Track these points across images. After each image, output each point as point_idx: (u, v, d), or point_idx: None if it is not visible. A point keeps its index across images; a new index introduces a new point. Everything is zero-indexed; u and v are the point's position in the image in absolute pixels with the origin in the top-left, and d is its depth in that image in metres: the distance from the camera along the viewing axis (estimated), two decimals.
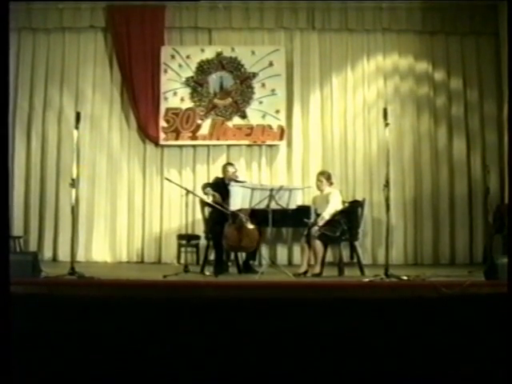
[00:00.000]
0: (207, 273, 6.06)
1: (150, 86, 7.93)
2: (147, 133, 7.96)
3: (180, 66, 7.98)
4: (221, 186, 6.36)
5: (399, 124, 7.95)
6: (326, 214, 6.09)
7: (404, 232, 7.94)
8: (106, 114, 8.07)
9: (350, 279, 5.71)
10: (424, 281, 4.99)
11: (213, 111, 7.96)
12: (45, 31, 8.07)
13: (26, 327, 3.34)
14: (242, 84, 7.99)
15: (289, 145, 8.06)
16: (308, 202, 6.90)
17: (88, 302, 4.10)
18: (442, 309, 4.04)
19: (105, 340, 3.59)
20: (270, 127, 7.91)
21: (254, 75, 7.97)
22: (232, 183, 6.19)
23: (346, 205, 6.50)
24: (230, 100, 7.98)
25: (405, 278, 5.08)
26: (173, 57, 7.97)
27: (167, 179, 6.95)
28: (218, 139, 7.95)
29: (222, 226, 6.06)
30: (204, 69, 8.00)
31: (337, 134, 8.08)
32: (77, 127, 5.47)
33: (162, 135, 7.90)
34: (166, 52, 7.96)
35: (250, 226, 6.12)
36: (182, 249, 7.28)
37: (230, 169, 6.60)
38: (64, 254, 7.63)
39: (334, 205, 6.18)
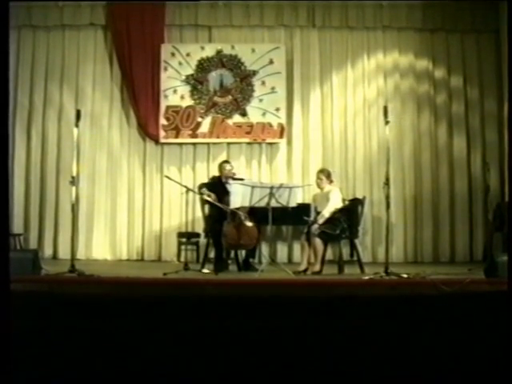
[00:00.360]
0: (207, 271, 6.05)
1: (150, 83, 7.93)
2: (147, 131, 7.96)
3: (180, 63, 7.97)
4: (217, 185, 6.36)
5: (399, 122, 7.95)
6: (326, 212, 6.09)
7: (404, 230, 7.94)
8: (106, 111, 8.07)
9: (349, 277, 5.71)
10: (424, 279, 4.99)
11: (213, 109, 7.96)
12: (45, 29, 8.07)
13: (27, 325, 3.34)
14: (242, 82, 7.98)
15: (289, 143, 8.06)
16: (308, 199, 6.91)
17: (88, 300, 4.10)
18: (441, 307, 4.05)
19: (105, 338, 3.60)
20: (270, 125, 7.91)
21: (254, 73, 7.97)
22: (231, 181, 6.18)
23: (346, 203, 6.50)
24: (230, 98, 7.98)
25: (405, 275, 5.07)
26: (173, 54, 7.97)
27: (167, 177, 6.94)
28: (218, 137, 7.95)
29: (222, 223, 6.05)
30: (204, 66, 8.00)
31: (337, 131, 8.08)
32: (77, 125, 5.48)
33: (162, 133, 7.90)
34: (166, 50, 7.96)
35: (249, 224, 6.12)
36: (182, 247, 7.28)
37: (227, 166, 6.58)
38: (64, 252, 7.63)
39: (334, 203, 6.17)
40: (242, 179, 6.49)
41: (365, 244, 7.70)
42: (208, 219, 6.61)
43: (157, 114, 7.90)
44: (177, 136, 7.93)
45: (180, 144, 8.03)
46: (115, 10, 7.96)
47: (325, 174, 6.37)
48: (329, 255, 6.70)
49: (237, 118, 7.95)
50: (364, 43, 8.17)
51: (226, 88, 8.00)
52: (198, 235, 7.32)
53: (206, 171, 7.89)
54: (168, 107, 7.93)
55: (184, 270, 5.83)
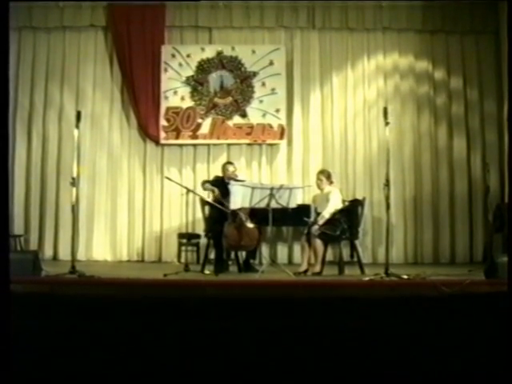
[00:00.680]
0: (207, 272, 6.06)
1: (151, 84, 7.94)
2: (147, 132, 7.96)
3: (180, 64, 7.98)
4: (220, 185, 6.36)
5: (399, 123, 7.95)
6: (326, 213, 6.09)
7: (404, 231, 7.95)
8: (107, 112, 8.08)
9: (350, 278, 5.71)
10: (424, 280, 5.00)
11: (213, 110, 7.96)
12: (45, 30, 8.07)
13: (27, 326, 3.34)
14: (243, 83, 7.99)
15: (289, 144, 8.06)
16: (308, 200, 6.90)
17: (88, 301, 4.10)
18: (442, 308, 4.04)
19: (105, 339, 3.60)
20: (271, 126, 7.91)
21: (255, 74, 7.97)
22: (232, 182, 6.19)
23: (346, 204, 6.51)
24: (230, 99, 7.99)
25: (405, 276, 5.07)
26: (173, 56, 7.98)
27: (167, 178, 6.96)
28: (218, 138, 7.96)
29: (222, 224, 6.06)
30: (204, 68, 8.01)
31: (337, 132, 8.08)
32: (77, 126, 5.48)
33: (162, 134, 7.91)
34: (166, 51, 7.96)
35: (250, 225, 6.12)
36: (183, 248, 7.28)
37: (230, 168, 6.59)
38: (64, 253, 7.64)
39: (334, 204, 6.18)
40: (243, 181, 6.50)
41: (365, 245, 7.70)
42: (208, 220, 6.62)
43: (157, 115, 7.90)
44: (177, 137, 7.93)
45: (180, 145, 8.03)
46: (115, 11, 7.97)
47: (325, 174, 6.37)
48: (329, 256, 6.70)
49: (237, 119, 7.96)
50: (364, 44, 8.18)
51: (227, 89, 8.01)
52: (198, 236, 7.33)
53: (206, 172, 7.88)
54: (168, 108, 7.94)
55: (184, 271, 5.83)
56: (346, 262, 6.24)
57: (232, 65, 8.00)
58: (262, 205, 5.86)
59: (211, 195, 6.41)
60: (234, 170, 6.58)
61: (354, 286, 4.91)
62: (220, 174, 6.70)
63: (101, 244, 7.92)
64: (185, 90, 7.98)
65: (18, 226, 7.63)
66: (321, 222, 6.06)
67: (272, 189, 5.88)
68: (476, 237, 7.91)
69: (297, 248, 7.55)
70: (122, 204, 7.99)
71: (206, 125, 7.95)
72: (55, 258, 7.79)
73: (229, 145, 8.03)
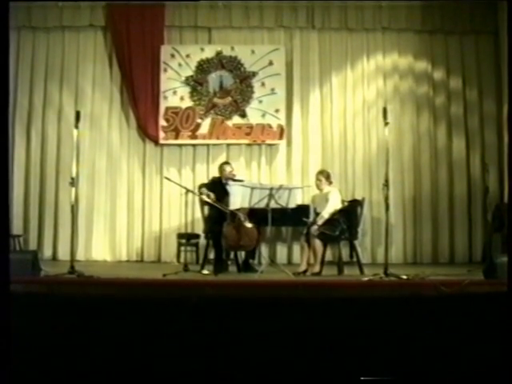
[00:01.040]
0: (207, 272, 6.06)
1: (150, 84, 7.93)
2: (147, 132, 7.96)
3: (180, 65, 7.97)
4: (218, 186, 6.36)
5: (399, 123, 7.95)
6: (326, 213, 6.09)
7: (403, 231, 7.95)
8: (106, 112, 8.07)
9: (349, 278, 5.71)
10: (423, 280, 4.99)
11: (212, 110, 7.96)
12: (44, 30, 8.07)
13: (26, 326, 3.34)
14: (242, 83, 7.99)
15: (288, 144, 8.06)
16: (307, 201, 6.90)
17: (87, 301, 4.10)
18: (441, 308, 4.05)
19: (104, 339, 3.60)
20: (270, 126, 7.91)
21: (254, 74, 7.97)
22: (231, 182, 6.18)
23: (346, 204, 6.50)
24: (229, 99, 7.99)
25: (404, 277, 5.07)
26: (172, 56, 7.97)
27: (167, 178, 6.95)
28: (217, 138, 7.96)
29: (222, 225, 6.05)
30: (204, 68, 8.00)
31: (336, 133, 8.08)
32: (76, 126, 5.47)
33: (161, 134, 7.90)
34: (165, 51, 7.96)
35: (249, 225, 6.12)
36: (182, 248, 7.27)
37: (227, 168, 6.59)
38: (64, 253, 7.63)
39: (334, 204, 6.18)
40: (241, 181, 6.49)
41: (364, 245, 7.69)
42: (208, 220, 6.62)
43: (156, 115, 7.90)
44: (176, 137, 7.93)
45: (180, 145, 8.03)
46: (115, 11, 7.97)
47: (324, 175, 6.37)
48: (328, 256, 6.70)
49: (236, 120, 7.96)
50: (363, 44, 8.18)
51: (226, 89, 8.01)
52: (197, 236, 7.32)
53: (205, 172, 7.88)
54: (167, 108, 7.93)
55: (184, 271, 5.83)
56: (345, 262, 6.24)
57: (231, 65, 8.00)
58: (262, 205, 5.85)
59: (207, 198, 6.37)
60: (231, 170, 6.58)
61: (354, 286, 4.91)
62: (217, 174, 6.69)
63: (100, 244, 7.91)
64: (184, 90, 7.98)
65: (17, 226, 7.61)
66: (320, 222, 6.06)
67: (271, 189, 5.88)
68: (475, 237, 7.91)
69: (296, 248, 7.55)
70: (122, 204, 7.99)
71: (205, 125, 7.94)
72: (54, 258, 7.78)
73: (228, 145, 8.02)
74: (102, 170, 8.01)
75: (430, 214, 7.96)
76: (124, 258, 7.93)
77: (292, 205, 5.99)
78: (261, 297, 4.29)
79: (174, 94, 7.96)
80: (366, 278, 5.19)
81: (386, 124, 5.43)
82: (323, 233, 5.98)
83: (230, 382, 3.44)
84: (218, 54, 8.01)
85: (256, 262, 6.88)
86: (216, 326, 3.70)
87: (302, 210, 6.51)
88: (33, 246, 7.74)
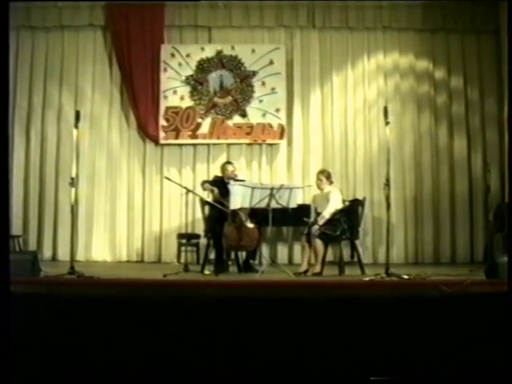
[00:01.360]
0: (207, 272, 6.04)
1: (150, 84, 7.92)
2: (147, 132, 7.95)
3: (180, 64, 7.96)
4: (220, 185, 6.35)
5: (400, 122, 7.94)
6: (327, 213, 6.07)
7: (404, 231, 7.93)
8: (106, 112, 8.06)
9: (350, 278, 5.70)
10: (425, 280, 4.98)
11: (213, 110, 7.95)
12: (44, 29, 8.06)
13: (26, 326, 3.33)
14: (242, 82, 7.97)
15: (289, 143, 8.05)
16: (308, 200, 6.89)
17: (87, 302, 4.09)
18: (442, 308, 4.04)
19: (104, 339, 3.59)
20: (271, 126, 7.90)
21: (254, 73, 7.96)
22: (232, 182, 6.17)
23: (347, 203, 6.48)
24: (230, 98, 7.97)
25: (405, 276, 5.06)
26: (173, 55, 7.96)
27: (167, 178, 6.94)
28: (218, 138, 7.94)
29: (222, 225, 6.04)
30: (204, 67, 7.99)
31: (337, 132, 8.07)
32: (76, 126, 5.45)
33: (161, 134, 7.89)
34: (165, 50, 7.95)
35: (250, 225, 6.11)
36: (182, 248, 7.27)
37: (229, 167, 6.58)
38: (63, 254, 7.62)
39: (334, 204, 6.16)
40: (243, 180, 6.48)
41: (365, 245, 7.69)
42: (208, 220, 6.60)
43: (156, 114, 7.89)
44: (177, 137, 7.92)
45: (180, 145, 8.02)
46: (114, 10, 7.96)
47: (325, 174, 6.35)
48: (329, 256, 6.68)
49: (237, 119, 7.94)
50: (364, 44, 8.17)
51: (226, 89, 7.99)
52: (198, 236, 7.32)
53: (206, 172, 7.87)
54: (168, 108, 7.92)
55: (184, 272, 5.82)
56: (346, 262, 6.22)
57: (232, 64, 7.99)
58: (262, 205, 5.84)
59: (211, 195, 6.40)
60: (233, 170, 6.57)
61: (355, 286, 4.89)
62: (219, 173, 6.69)
63: (100, 244, 7.90)
64: (184, 90, 7.97)
65: (16, 227, 7.59)
66: (321, 222, 6.04)
67: (272, 189, 5.87)
68: (476, 237, 7.89)
69: (297, 248, 7.54)
70: (122, 204, 7.98)
71: (205, 124, 7.93)
72: (54, 258, 7.78)
73: (229, 145, 8.01)
74: (102, 170, 8.00)
75: (431, 213, 7.95)
76: (124, 258, 7.92)
77: (293, 205, 5.98)
78: (262, 297, 4.28)
79: (174, 93, 7.95)
80: (367, 278, 5.17)
81: (387, 123, 5.41)
82: (324, 233, 5.96)
83: (230, 382, 3.43)
84: (219, 53, 7.99)
85: (257, 262, 6.86)
86: (217, 326, 3.69)
87: (303, 209, 6.50)
88: (32, 246, 7.73)
